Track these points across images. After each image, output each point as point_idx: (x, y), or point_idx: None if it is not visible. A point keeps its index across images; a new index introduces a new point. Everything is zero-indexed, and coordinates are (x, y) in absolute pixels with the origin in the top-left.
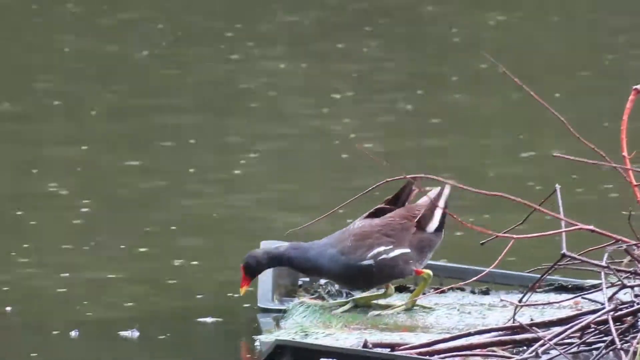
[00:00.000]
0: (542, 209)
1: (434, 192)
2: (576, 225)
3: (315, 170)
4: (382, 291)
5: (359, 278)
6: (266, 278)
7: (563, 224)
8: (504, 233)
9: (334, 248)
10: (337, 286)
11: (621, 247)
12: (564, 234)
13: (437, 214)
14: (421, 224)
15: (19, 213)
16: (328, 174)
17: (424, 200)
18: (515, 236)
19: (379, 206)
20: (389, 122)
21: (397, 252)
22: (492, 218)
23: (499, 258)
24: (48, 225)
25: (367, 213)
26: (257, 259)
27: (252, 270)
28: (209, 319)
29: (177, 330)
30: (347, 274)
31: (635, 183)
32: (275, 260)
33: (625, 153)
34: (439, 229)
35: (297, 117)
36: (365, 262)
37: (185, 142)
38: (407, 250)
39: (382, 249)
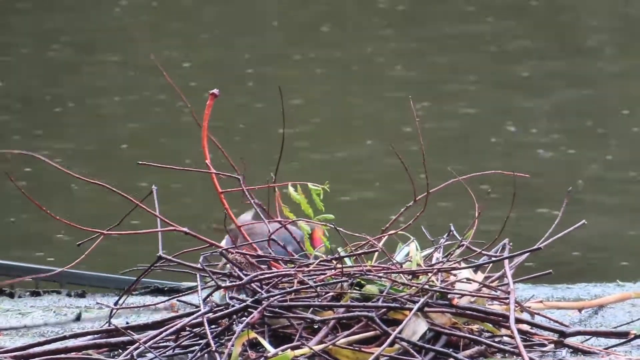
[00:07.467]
0: (144, 206)
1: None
2: (172, 225)
3: None
4: None
5: None
6: None
7: (159, 223)
8: (108, 230)
9: None
10: None
11: (216, 251)
12: (160, 234)
13: None
14: None
15: None
16: None
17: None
18: (104, 232)
19: None
20: None
21: None
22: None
23: (82, 255)
24: None
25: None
26: None
27: None
28: None
29: None
30: None
31: (220, 190)
32: None
33: (208, 160)
34: None
35: None
36: None
37: None
38: None
39: None
